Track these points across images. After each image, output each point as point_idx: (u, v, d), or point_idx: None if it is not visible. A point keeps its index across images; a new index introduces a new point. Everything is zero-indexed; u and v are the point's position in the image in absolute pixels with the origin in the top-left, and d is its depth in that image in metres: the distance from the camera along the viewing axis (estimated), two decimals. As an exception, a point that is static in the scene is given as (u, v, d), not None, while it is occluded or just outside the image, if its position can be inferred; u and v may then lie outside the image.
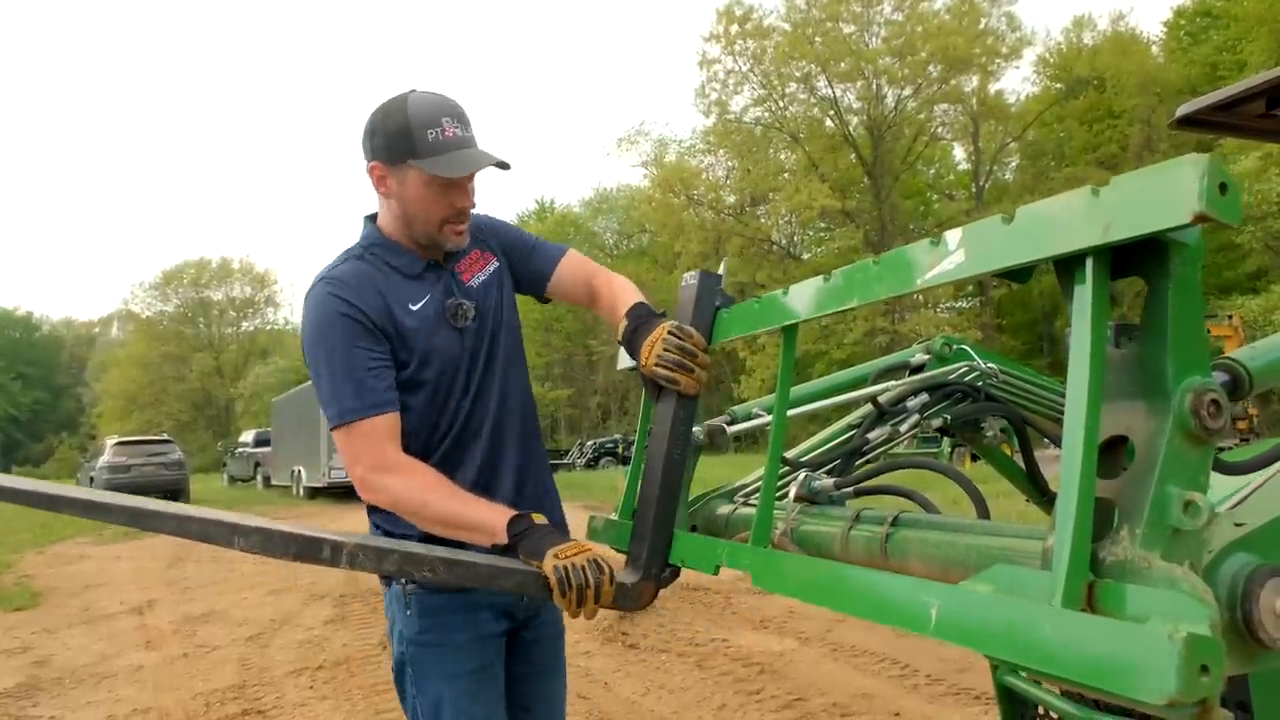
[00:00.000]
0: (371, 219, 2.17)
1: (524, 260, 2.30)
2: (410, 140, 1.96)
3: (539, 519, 1.89)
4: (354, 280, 2.02)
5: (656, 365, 1.83)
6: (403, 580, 2.06)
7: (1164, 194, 0.79)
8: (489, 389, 2.15)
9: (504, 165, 2.05)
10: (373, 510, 2.13)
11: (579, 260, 2.33)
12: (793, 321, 1.49)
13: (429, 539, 1.95)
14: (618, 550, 2.02)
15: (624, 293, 2.13)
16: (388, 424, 1.96)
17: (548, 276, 2.29)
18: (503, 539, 1.83)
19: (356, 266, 2.06)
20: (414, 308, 2.06)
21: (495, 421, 2.15)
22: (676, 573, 1.87)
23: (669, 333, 1.84)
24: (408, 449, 2.01)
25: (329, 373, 1.96)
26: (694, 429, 1.98)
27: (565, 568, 1.72)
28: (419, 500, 1.92)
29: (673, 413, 1.86)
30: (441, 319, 2.08)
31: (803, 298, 1.44)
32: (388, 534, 2.06)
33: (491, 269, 2.23)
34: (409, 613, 2.08)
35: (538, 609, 2.24)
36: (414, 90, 2.04)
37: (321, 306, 1.99)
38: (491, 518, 1.87)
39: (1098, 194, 0.86)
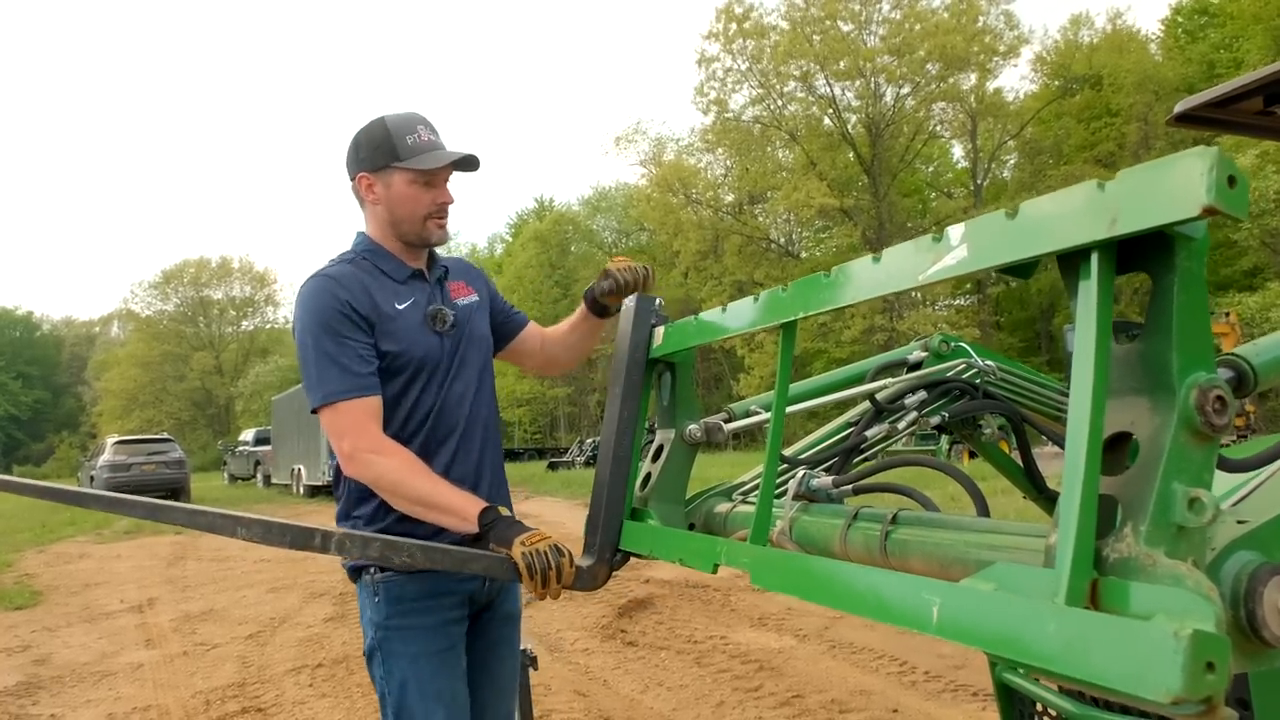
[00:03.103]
0: (362, 232, 2.40)
1: (499, 314, 2.59)
2: (392, 146, 2.24)
3: (504, 511, 2.07)
4: (346, 278, 2.22)
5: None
6: (372, 571, 2.24)
7: (1172, 187, 0.78)
8: (463, 395, 2.34)
9: (474, 158, 2.31)
10: (348, 511, 2.30)
11: (538, 327, 2.69)
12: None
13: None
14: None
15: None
16: (371, 405, 2.15)
17: (515, 333, 2.61)
18: (473, 527, 2.02)
19: (348, 268, 2.27)
20: (400, 307, 2.27)
21: (466, 426, 2.34)
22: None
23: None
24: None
25: (317, 357, 2.15)
26: (691, 427, 2.06)
27: (531, 553, 1.91)
28: (399, 479, 2.09)
29: (619, 416, 2.05)
30: (423, 321, 2.30)
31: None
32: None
33: (474, 299, 2.48)
34: (377, 600, 2.24)
35: (497, 592, 2.43)
36: (386, 113, 2.32)
37: (316, 297, 2.19)
38: (464, 505, 2.06)
39: (1103, 188, 0.85)
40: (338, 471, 2.27)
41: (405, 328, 2.24)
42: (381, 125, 2.26)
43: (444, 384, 2.30)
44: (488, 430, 2.41)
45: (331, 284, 2.19)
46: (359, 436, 2.10)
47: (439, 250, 2.47)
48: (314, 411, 2.17)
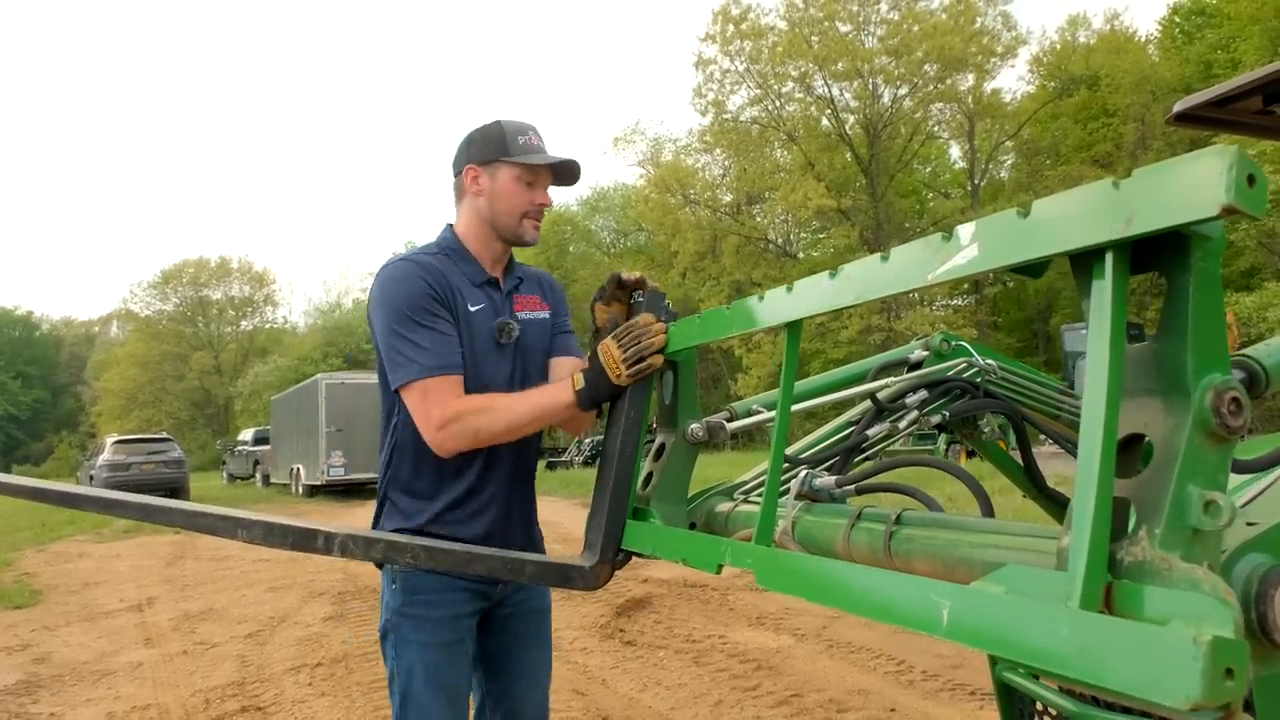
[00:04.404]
0: (450, 226, 2.49)
1: (557, 328, 2.60)
2: (504, 143, 2.36)
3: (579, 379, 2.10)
4: (429, 267, 2.32)
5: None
6: None
7: (1190, 186, 0.77)
8: None
9: (576, 167, 2.43)
10: (385, 513, 2.42)
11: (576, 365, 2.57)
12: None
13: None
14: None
15: None
16: (453, 381, 2.21)
17: (553, 354, 2.56)
18: (580, 406, 2.10)
19: (431, 259, 2.36)
20: (473, 309, 2.36)
21: (513, 441, 2.34)
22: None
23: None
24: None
25: (401, 336, 2.21)
26: (693, 426, 2.05)
27: (621, 338, 2.00)
28: (496, 425, 2.16)
29: (623, 415, 2.05)
30: (489, 330, 2.38)
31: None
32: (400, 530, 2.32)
33: (543, 315, 2.55)
34: (395, 586, 2.36)
35: (516, 588, 2.49)
36: (503, 117, 2.42)
37: (402, 277, 2.28)
38: (558, 396, 2.14)
39: (1118, 186, 0.83)
40: (389, 461, 2.39)
41: (474, 331, 2.34)
42: (497, 125, 2.38)
43: (498, 387, 2.36)
44: (526, 446, 2.47)
45: (417, 269, 2.29)
46: (443, 413, 2.15)
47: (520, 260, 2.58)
48: (395, 391, 2.24)
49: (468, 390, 2.26)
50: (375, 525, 2.42)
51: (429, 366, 2.18)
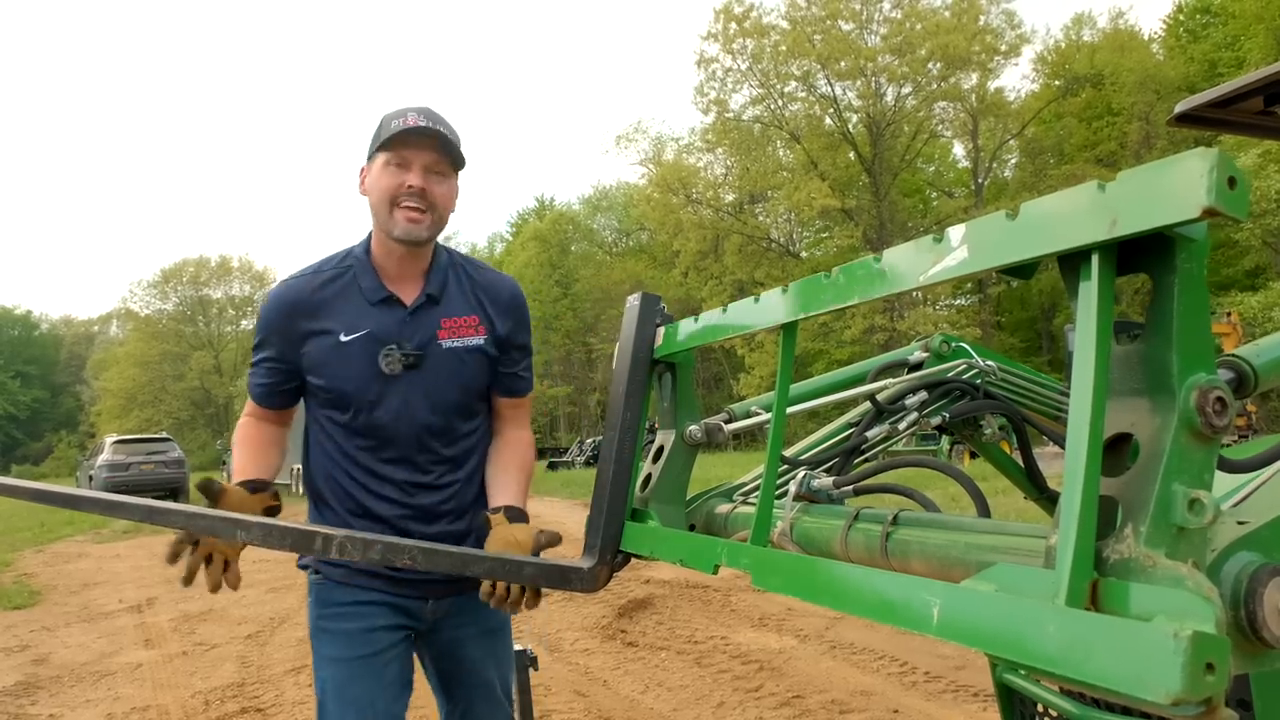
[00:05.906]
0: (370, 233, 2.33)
1: (504, 363, 2.38)
2: (379, 133, 2.16)
3: (232, 487, 2.16)
4: (290, 297, 2.23)
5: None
6: (309, 572, 2.36)
7: (1172, 189, 0.78)
8: (411, 432, 2.26)
9: (440, 134, 2.13)
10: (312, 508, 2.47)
11: (522, 406, 2.46)
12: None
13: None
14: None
15: (512, 480, 2.34)
16: (253, 407, 2.39)
17: (495, 393, 2.41)
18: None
19: (309, 281, 2.24)
20: (345, 339, 2.20)
21: (418, 456, 2.28)
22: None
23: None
24: (330, 473, 2.37)
25: (250, 355, 2.36)
26: (691, 427, 2.04)
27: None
28: (234, 449, 2.36)
29: (621, 415, 2.04)
30: (368, 359, 2.20)
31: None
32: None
33: (474, 342, 2.29)
34: (310, 599, 2.33)
35: (456, 611, 2.38)
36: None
37: (263, 310, 2.30)
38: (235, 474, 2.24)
39: (1104, 189, 0.84)
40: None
41: (339, 360, 2.20)
42: (381, 117, 2.20)
43: (384, 419, 2.24)
44: (455, 461, 2.34)
45: (280, 300, 2.24)
46: (242, 420, 2.40)
47: (472, 264, 2.40)
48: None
49: (358, 422, 2.23)
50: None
51: (250, 389, 2.37)
